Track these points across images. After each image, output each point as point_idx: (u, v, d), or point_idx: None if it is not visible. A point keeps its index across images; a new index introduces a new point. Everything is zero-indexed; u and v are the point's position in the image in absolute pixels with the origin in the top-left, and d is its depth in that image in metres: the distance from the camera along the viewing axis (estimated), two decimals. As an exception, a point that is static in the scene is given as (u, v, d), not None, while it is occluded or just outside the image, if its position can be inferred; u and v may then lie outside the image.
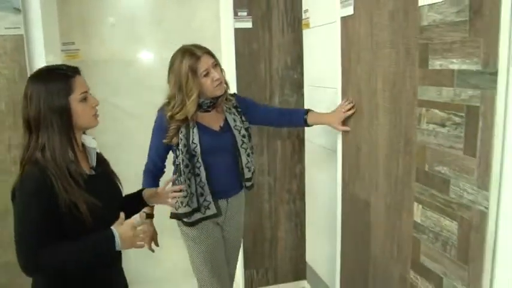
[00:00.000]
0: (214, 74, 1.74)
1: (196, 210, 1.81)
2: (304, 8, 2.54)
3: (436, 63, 1.29)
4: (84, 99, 1.28)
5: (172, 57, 1.80)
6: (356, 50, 1.75)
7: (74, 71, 1.30)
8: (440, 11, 1.25)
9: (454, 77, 1.23)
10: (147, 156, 1.91)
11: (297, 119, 1.99)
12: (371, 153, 1.71)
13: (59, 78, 1.25)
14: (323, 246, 2.47)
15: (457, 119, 1.23)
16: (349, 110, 1.83)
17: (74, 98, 1.25)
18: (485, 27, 1.10)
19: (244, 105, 1.93)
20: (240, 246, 2.13)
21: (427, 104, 1.35)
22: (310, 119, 1.96)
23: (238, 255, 2.13)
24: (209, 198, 1.81)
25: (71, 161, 1.24)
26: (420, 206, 1.43)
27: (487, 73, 1.11)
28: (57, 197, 1.18)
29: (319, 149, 2.43)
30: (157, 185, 1.86)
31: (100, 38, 2.65)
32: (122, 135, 2.71)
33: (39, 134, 1.22)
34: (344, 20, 1.82)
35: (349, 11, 1.76)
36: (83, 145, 1.36)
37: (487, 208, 1.15)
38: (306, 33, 2.59)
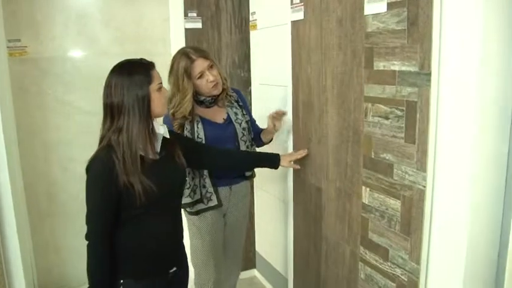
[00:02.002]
0: (209, 76, 1.86)
1: (199, 201, 1.94)
2: (251, 10, 2.69)
3: (380, 65, 1.50)
4: (159, 89, 1.43)
5: (173, 58, 1.92)
6: (306, 51, 1.93)
7: (152, 65, 1.45)
8: (383, 20, 1.46)
9: (395, 76, 1.44)
10: None
11: (257, 142, 2.12)
12: (321, 143, 1.90)
13: (141, 69, 1.41)
14: (274, 234, 2.66)
15: (399, 112, 1.44)
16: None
17: (152, 88, 1.40)
18: (420, 36, 1.32)
19: (243, 103, 2.07)
20: (244, 232, 2.24)
21: (372, 99, 1.56)
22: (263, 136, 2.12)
23: (243, 239, 2.25)
24: (211, 189, 1.94)
25: (143, 144, 1.39)
26: (368, 189, 1.64)
27: (422, 74, 1.33)
28: (117, 177, 1.34)
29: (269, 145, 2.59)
30: None
31: (51, 35, 2.63)
32: (74, 133, 2.71)
33: (120, 118, 1.37)
34: (295, 23, 2.00)
35: (300, 16, 1.93)
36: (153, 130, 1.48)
37: (424, 187, 1.38)
38: (253, 34, 2.74)
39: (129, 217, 1.42)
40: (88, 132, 2.66)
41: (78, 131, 2.71)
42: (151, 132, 1.42)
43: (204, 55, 1.89)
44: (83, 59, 2.71)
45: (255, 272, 3.09)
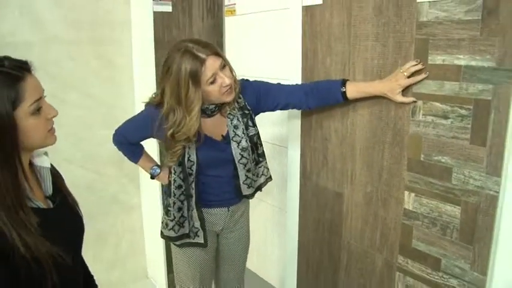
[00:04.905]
0: (224, 80, 1.43)
1: (185, 236, 1.61)
2: (229, -7, 2.42)
3: (437, 59, 1.36)
4: (38, 110, 0.92)
5: (168, 58, 1.43)
6: (325, 41, 1.73)
7: (23, 68, 0.91)
8: (445, 9, 1.31)
9: (460, 72, 1.30)
10: (117, 130, 1.66)
11: (331, 95, 1.58)
12: (344, 144, 1.73)
13: (0, 81, 0.86)
14: (265, 245, 2.44)
15: (463, 111, 1.31)
16: (414, 74, 1.40)
17: (23, 110, 0.88)
18: (501, 27, 1.19)
19: (254, 97, 1.63)
20: (243, 260, 1.88)
21: (424, 96, 1.41)
22: (350, 92, 1.54)
23: (241, 270, 1.89)
24: (197, 224, 1.60)
25: (23, 198, 0.89)
26: (413, 194, 1.50)
27: (501, 69, 1.21)
28: (13, 252, 0.83)
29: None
30: (142, 148, 1.76)
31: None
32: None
33: None
34: (309, 9, 1.77)
35: (317, 0, 1.72)
36: (31, 165, 1.00)
37: (497, 192, 1.27)
38: (229, 20, 2.47)
39: None
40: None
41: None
42: (23, 173, 0.91)
43: (214, 51, 1.43)
44: (27, 46, 2.20)
45: None
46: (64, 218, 1.03)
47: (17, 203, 0.86)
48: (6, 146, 0.86)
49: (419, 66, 1.39)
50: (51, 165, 1.06)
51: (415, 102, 1.44)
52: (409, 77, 1.41)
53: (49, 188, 1.01)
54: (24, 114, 0.89)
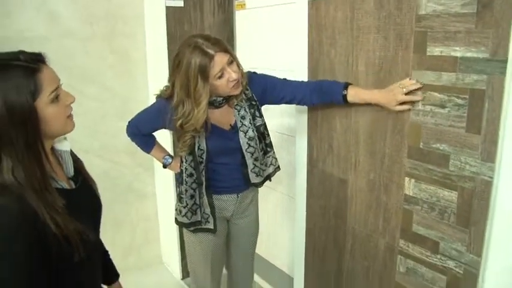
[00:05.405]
0: (231, 74, 1.51)
1: (198, 222, 1.71)
2: (239, -13, 2.49)
3: (435, 50, 1.42)
4: (56, 98, 0.97)
5: (178, 53, 1.52)
6: (329, 34, 1.80)
7: (38, 60, 0.96)
8: (442, 2, 1.37)
9: (457, 63, 1.36)
10: (130, 121, 1.76)
11: (334, 96, 1.66)
12: (348, 132, 1.80)
13: (19, 75, 0.91)
14: (275, 231, 2.53)
15: (459, 101, 1.38)
16: (411, 92, 1.47)
17: (43, 101, 0.94)
18: (495, 20, 1.25)
19: (260, 89, 1.72)
20: (253, 246, 2.00)
21: (423, 87, 1.47)
22: (350, 96, 1.62)
23: (251, 255, 2.02)
24: (208, 211, 1.70)
25: (47, 180, 0.96)
26: (413, 180, 1.57)
27: (495, 60, 1.27)
28: (44, 229, 0.90)
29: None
30: (155, 139, 1.87)
31: (2, 12, 2.20)
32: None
33: (1, 153, 0.91)
34: (314, 3, 1.84)
35: (322, -5, 1.79)
36: (52, 150, 1.08)
37: (491, 177, 1.33)
38: (239, 14, 2.54)
39: (62, 282, 0.99)
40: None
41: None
42: (46, 158, 0.98)
43: (223, 47, 1.51)
44: (43, 41, 2.31)
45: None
46: (85, 198, 1.12)
47: (43, 185, 0.93)
48: (29, 135, 0.92)
49: (418, 85, 1.46)
50: (71, 150, 1.14)
51: (409, 110, 1.52)
52: (406, 93, 1.48)
53: (70, 170, 1.09)
54: (44, 104, 0.94)
